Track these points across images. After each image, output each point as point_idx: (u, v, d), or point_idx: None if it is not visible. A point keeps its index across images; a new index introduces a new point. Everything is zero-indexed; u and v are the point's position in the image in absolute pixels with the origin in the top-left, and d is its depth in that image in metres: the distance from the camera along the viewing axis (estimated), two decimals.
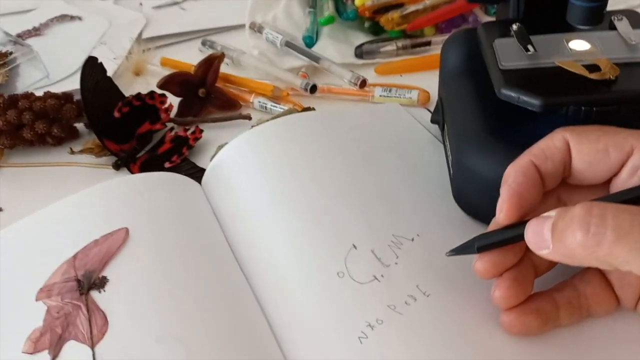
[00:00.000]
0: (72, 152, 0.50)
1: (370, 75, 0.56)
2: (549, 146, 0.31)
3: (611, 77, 0.33)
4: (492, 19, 0.60)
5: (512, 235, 0.30)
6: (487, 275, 0.31)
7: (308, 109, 0.49)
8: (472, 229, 0.38)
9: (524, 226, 0.29)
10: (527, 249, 0.29)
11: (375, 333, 0.32)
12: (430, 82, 0.53)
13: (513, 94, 0.34)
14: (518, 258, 0.31)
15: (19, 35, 0.66)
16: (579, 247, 0.26)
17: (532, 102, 0.33)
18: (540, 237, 0.28)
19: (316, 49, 0.58)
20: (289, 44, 0.58)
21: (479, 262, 0.31)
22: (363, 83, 0.52)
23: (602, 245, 0.25)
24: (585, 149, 0.30)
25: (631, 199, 0.28)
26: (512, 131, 0.37)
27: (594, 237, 0.25)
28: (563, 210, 0.27)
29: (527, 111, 0.34)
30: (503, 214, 0.31)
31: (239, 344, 0.32)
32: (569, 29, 0.38)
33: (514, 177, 0.31)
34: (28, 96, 0.51)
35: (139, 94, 0.51)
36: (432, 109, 0.50)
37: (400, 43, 0.58)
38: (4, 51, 0.60)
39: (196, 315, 0.33)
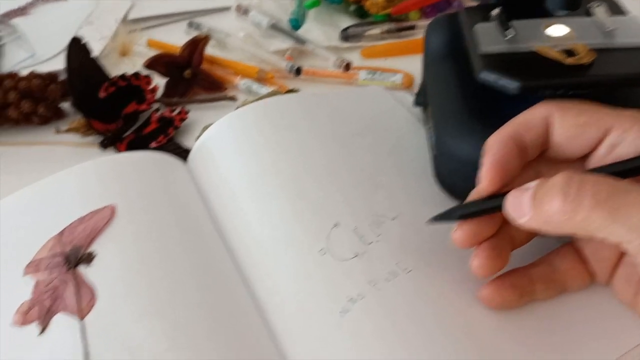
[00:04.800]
0: (58, 132, 0.50)
1: (355, 58, 0.57)
2: (531, 118, 0.32)
3: (586, 62, 0.34)
4: (476, 3, 0.61)
5: (492, 205, 0.31)
6: (465, 244, 0.32)
7: (292, 90, 0.49)
8: None
9: (502, 197, 0.30)
10: (505, 221, 0.31)
11: (356, 307, 0.33)
12: (414, 65, 0.54)
13: (491, 78, 0.35)
14: (496, 229, 0.32)
15: (4, 15, 0.66)
16: (557, 212, 0.27)
17: (509, 85, 0.34)
18: (519, 206, 0.29)
19: (302, 32, 0.59)
20: (274, 27, 0.59)
21: (459, 231, 0.32)
22: (347, 66, 0.52)
23: (579, 211, 0.26)
24: (567, 123, 0.31)
25: (611, 174, 0.29)
26: (491, 114, 0.38)
27: (572, 202, 0.26)
28: (543, 180, 0.28)
29: (505, 94, 0.35)
30: (485, 183, 0.31)
31: (223, 319, 0.33)
32: (548, 14, 0.39)
33: (497, 147, 0.31)
34: (12, 76, 0.52)
35: (124, 74, 0.51)
36: (415, 92, 0.51)
37: (385, 27, 0.58)
38: None
39: (181, 291, 0.34)
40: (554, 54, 0.35)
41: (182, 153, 0.47)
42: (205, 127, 0.46)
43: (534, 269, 0.33)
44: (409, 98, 0.51)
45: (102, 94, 0.50)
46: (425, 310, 0.33)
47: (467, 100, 0.39)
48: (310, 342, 0.32)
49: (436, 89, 0.42)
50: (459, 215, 0.32)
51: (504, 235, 0.32)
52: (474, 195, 0.33)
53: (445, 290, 0.34)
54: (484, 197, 0.32)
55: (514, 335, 0.32)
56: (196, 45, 0.54)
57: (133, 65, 0.57)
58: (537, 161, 0.33)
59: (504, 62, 0.36)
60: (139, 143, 0.49)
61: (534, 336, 0.32)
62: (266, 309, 0.35)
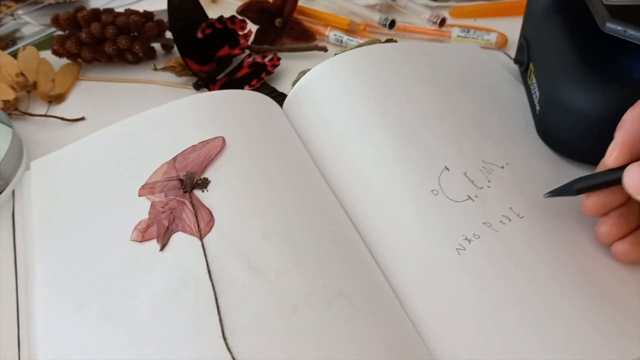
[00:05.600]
0: (155, 69, 0.51)
1: None
2: None
3: None
4: None
5: (611, 178, 0.31)
6: (595, 214, 0.32)
7: (390, 40, 0.49)
8: (560, 164, 0.39)
9: (622, 171, 0.30)
10: None
11: (472, 246, 0.33)
12: (504, 27, 0.53)
13: (619, 27, 0.34)
14: (626, 198, 0.31)
15: None
16: None
17: (638, 35, 0.34)
18: None
19: None
20: None
21: (588, 201, 0.32)
22: (442, 22, 0.52)
23: None
24: None
25: None
26: (609, 67, 0.37)
27: None
28: None
29: (623, 48, 0.35)
30: (613, 158, 0.31)
31: (337, 246, 0.34)
32: None
33: (631, 123, 0.31)
34: (110, 11, 0.52)
35: (221, 16, 0.51)
36: (509, 53, 0.51)
37: None
38: None
39: (295, 216, 0.35)
40: None
41: (278, 97, 0.47)
42: (303, 72, 0.46)
43: None
44: (504, 57, 0.51)
45: (199, 35, 0.50)
46: (542, 255, 0.32)
47: (582, 54, 0.39)
48: (425, 276, 0.32)
49: (546, 44, 0.42)
50: (576, 189, 0.33)
51: (632, 201, 0.32)
52: (600, 167, 0.32)
53: (561, 239, 0.33)
54: (603, 171, 0.32)
55: (632, 282, 0.32)
56: None
57: (223, 12, 0.57)
58: None
59: (631, 13, 0.35)
60: (232, 86, 0.50)
61: None
62: (376, 242, 0.35)
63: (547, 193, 0.34)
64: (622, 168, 0.30)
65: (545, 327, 0.29)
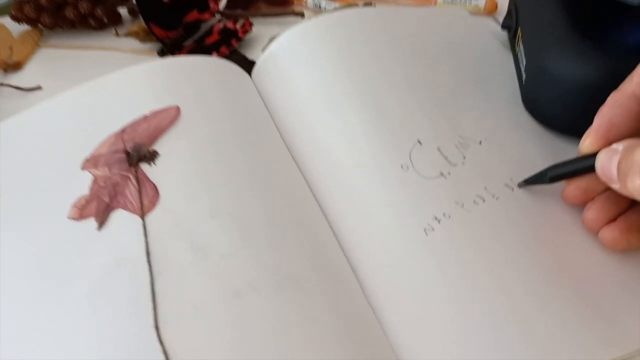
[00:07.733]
0: (117, 35, 0.47)
1: None
2: None
3: None
4: None
5: (585, 165, 0.28)
6: (577, 202, 0.30)
7: (369, 4, 0.45)
8: (542, 137, 0.36)
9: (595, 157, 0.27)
10: None
11: (441, 226, 0.30)
12: None
13: None
14: None
15: None
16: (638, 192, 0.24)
17: None
18: (609, 172, 0.26)
19: None
20: None
21: (569, 188, 0.30)
22: None
23: None
24: None
25: None
26: (600, 33, 0.34)
27: None
28: (629, 149, 0.25)
29: (616, 14, 0.31)
30: (586, 145, 0.28)
31: (293, 226, 0.31)
32: None
33: (610, 107, 0.28)
34: None
35: None
36: (499, 19, 0.47)
37: None
38: None
39: (248, 194, 0.32)
40: None
41: (247, 65, 0.44)
42: (273, 38, 0.43)
43: None
44: (492, 23, 0.47)
45: None
46: (513, 242, 0.30)
47: (572, 18, 0.35)
48: (388, 259, 0.29)
49: (533, 8, 0.38)
50: (549, 177, 0.30)
51: None
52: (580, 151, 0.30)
53: (537, 224, 0.30)
54: (577, 157, 0.29)
55: (614, 274, 0.29)
56: None
57: None
58: None
59: None
60: (200, 53, 0.46)
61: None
62: (337, 219, 0.32)
63: (521, 182, 0.32)
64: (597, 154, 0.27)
65: (503, 320, 0.27)
